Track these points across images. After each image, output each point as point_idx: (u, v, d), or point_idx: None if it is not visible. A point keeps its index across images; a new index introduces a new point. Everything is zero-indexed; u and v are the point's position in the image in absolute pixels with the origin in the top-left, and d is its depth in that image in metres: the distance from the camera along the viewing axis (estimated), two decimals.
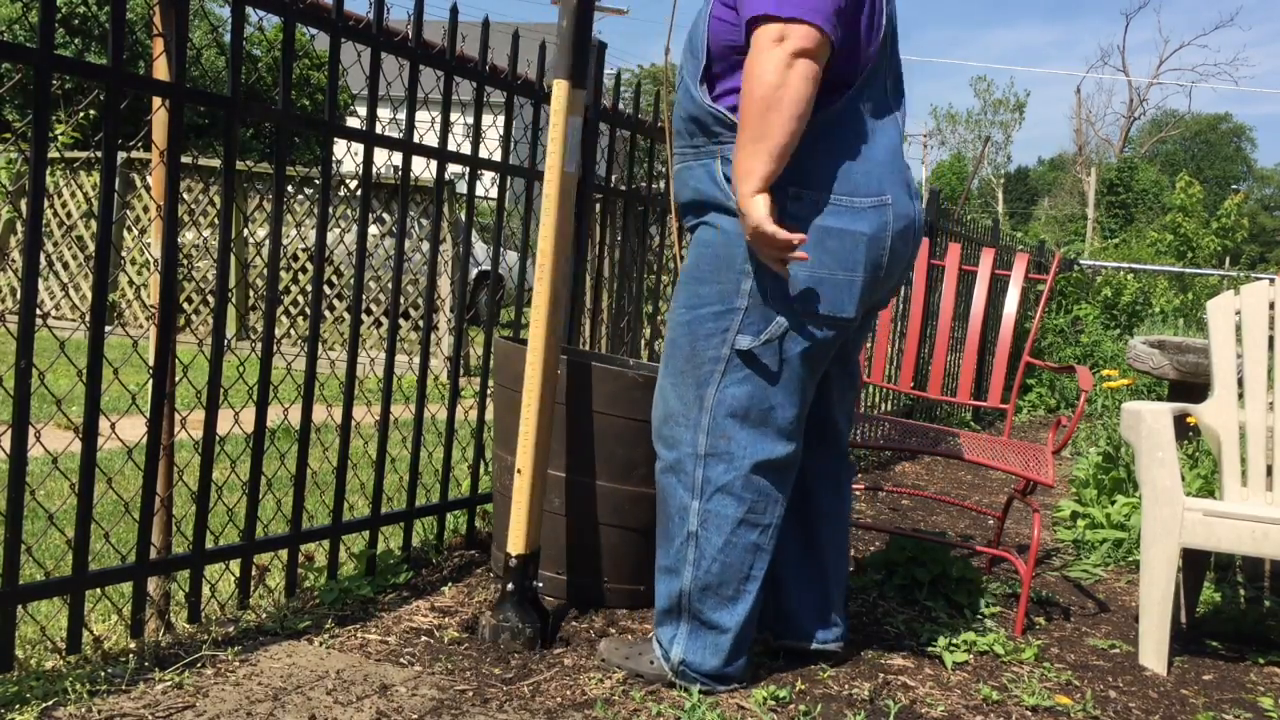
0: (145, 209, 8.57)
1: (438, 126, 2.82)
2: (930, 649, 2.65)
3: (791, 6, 2.01)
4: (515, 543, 2.47)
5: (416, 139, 2.75)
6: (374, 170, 2.60)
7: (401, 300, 4.11)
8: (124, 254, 8.72)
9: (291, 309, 8.48)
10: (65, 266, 8.77)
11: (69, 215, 8.77)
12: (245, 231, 8.37)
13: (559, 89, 2.48)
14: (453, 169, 3.02)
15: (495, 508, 2.91)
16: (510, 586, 2.46)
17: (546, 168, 2.51)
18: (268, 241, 2.39)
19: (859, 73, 2.18)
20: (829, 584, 2.48)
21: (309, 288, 5.72)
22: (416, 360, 2.96)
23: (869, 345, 4.46)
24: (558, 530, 2.72)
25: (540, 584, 2.58)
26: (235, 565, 2.50)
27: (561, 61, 2.48)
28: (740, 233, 2.16)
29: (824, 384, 2.41)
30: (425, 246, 7.91)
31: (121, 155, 8.12)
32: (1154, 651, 2.71)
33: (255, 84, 15.44)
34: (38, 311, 1.92)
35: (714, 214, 2.23)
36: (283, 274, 8.42)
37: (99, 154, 2.05)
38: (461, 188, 7.77)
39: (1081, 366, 3.60)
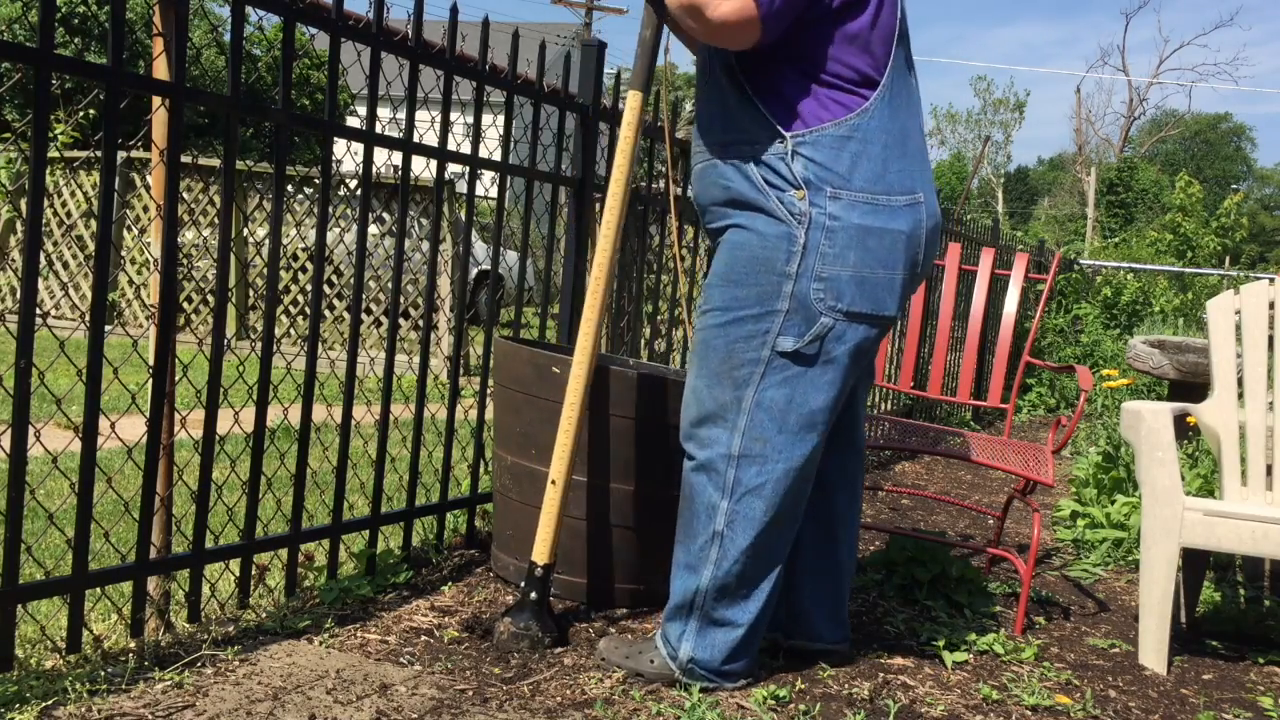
0: (145, 209, 8.57)
1: (438, 126, 2.82)
2: (930, 648, 2.66)
3: None
4: (541, 552, 2.46)
5: (416, 139, 2.75)
6: (374, 170, 2.60)
7: (401, 300, 4.11)
8: (124, 254, 8.72)
9: (291, 309, 8.48)
10: (65, 266, 8.77)
11: (69, 215, 8.77)
12: (245, 231, 8.37)
13: (634, 100, 2.45)
14: (453, 168, 3.02)
15: (495, 508, 2.91)
16: (534, 595, 2.45)
17: (611, 181, 2.48)
18: (268, 241, 2.39)
19: (884, 69, 2.18)
20: (841, 584, 2.47)
21: (309, 287, 5.72)
22: (416, 360, 2.96)
23: None
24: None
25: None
26: (235, 565, 2.51)
27: (638, 74, 2.45)
28: (779, 234, 2.16)
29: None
30: (425, 246, 7.91)
31: (121, 155, 8.12)
32: (1154, 651, 2.71)
33: (255, 84, 15.44)
34: (38, 311, 1.92)
35: (748, 215, 2.21)
36: (282, 274, 8.42)
37: (99, 153, 2.05)
38: (461, 187, 7.77)
39: (1081, 366, 3.60)
